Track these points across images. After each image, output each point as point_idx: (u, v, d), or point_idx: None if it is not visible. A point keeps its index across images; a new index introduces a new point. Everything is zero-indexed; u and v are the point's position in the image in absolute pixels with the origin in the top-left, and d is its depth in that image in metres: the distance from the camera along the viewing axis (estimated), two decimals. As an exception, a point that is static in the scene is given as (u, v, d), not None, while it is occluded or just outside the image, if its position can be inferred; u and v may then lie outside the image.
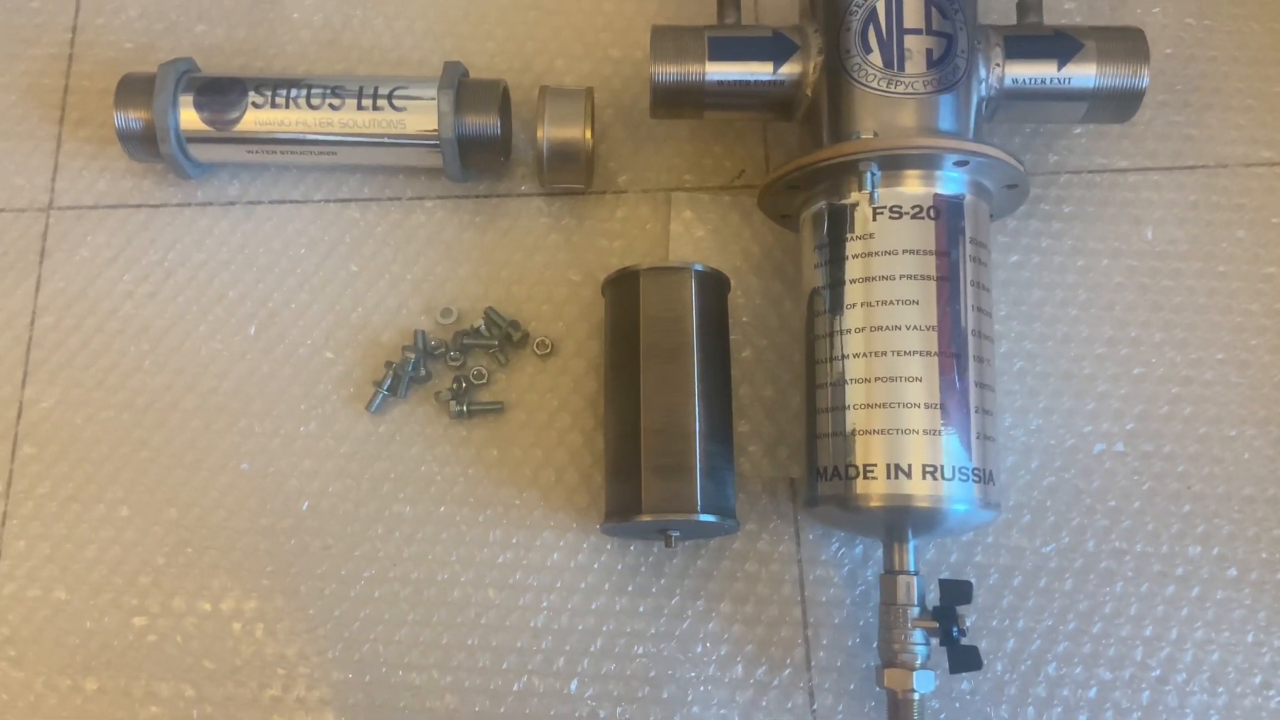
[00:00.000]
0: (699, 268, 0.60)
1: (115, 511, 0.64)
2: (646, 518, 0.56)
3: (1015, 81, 0.60)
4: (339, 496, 0.64)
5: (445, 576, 0.62)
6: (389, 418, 0.65)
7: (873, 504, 0.54)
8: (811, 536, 0.63)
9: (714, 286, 0.62)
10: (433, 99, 0.64)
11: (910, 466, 0.53)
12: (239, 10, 0.73)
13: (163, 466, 0.64)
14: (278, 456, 0.64)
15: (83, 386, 0.66)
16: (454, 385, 0.65)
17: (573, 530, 0.63)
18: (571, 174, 0.66)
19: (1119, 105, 0.61)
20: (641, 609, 0.62)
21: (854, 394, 0.55)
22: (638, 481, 0.57)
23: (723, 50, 0.61)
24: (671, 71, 0.61)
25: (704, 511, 0.56)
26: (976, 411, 0.55)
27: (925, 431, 0.54)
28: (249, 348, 0.66)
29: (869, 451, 0.54)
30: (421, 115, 0.64)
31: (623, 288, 0.61)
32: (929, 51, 0.57)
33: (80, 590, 0.63)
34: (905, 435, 0.54)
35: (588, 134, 0.65)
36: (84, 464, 0.65)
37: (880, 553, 0.59)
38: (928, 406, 0.54)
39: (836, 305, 0.56)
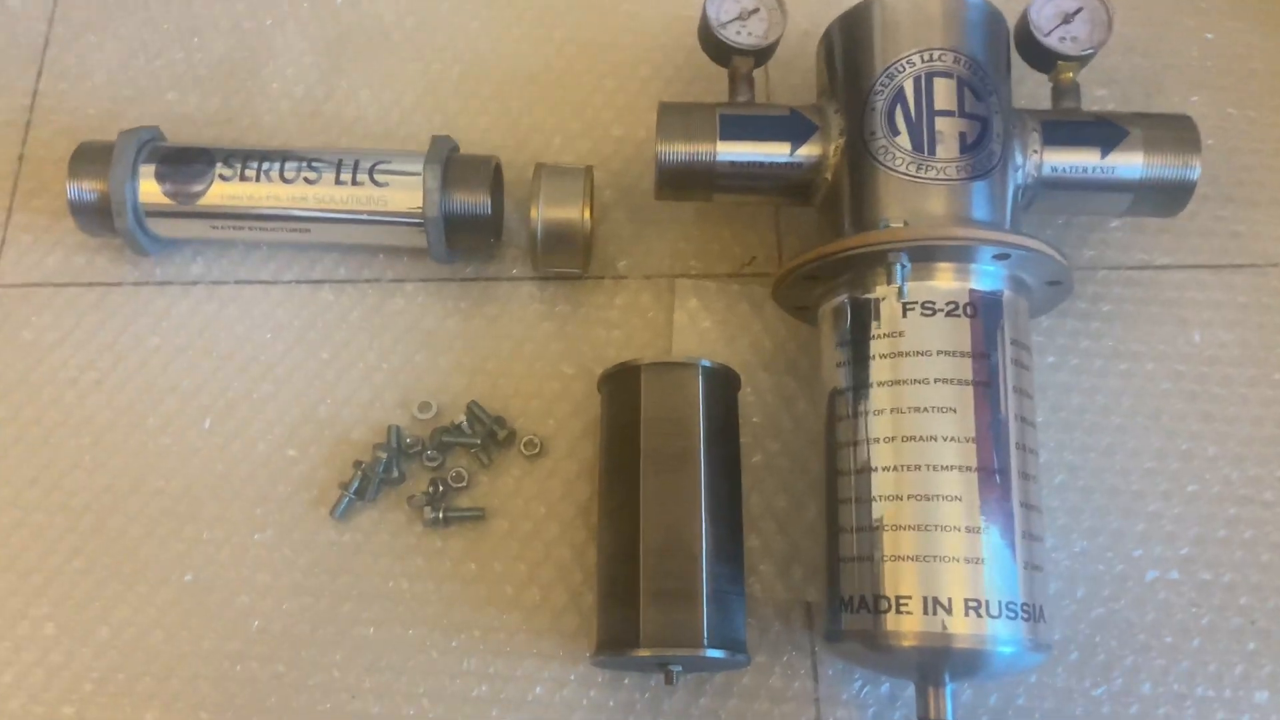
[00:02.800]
0: (706, 363, 0.54)
1: (40, 629, 0.56)
2: (645, 653, 0.49)
3: (1055, 170, 0.55)
4: (294, 616, 0.56)
5: (412, 712, 0.54)
6: (355, 525, 0.58)
7: (906, 643, 0.47)
8: (831, 672, 0.55)
9: (723, 384, 0.55)
10: (418, 174, 0.59)
11: (950, 601, 0.46)
12: (213, 78, 0.68)
13: (96, 579, 0.57)
14: (227, 568, 0.57)
15: (13, 485, 0.59)
16: (430, 489, 0.58)
17: (558, 660, 0.55)
18: (567, 257, 0.60)
19: (1167, 198, 0.56)
20: (636, 754, 0.54)
21: (883, 513, 0.48)
22: (635, 608, 0.50)
23: (736, 129, 0.56)
24: (679, 151, 0.56)
25: (711, 646, 0.49)
26: (1023, 537, 0.48)
27: (967, 560, 0.47)
28: (202, 444, 0.59)
29: (901, 581, 0.47)
30: (405, 192, 0.59)
31: (621, 384, 0.55)
32: (962, 135, 0.52)
33: (-9, 721, 0.55)
34: (943, 563, 0.47)
35: (586, 215, 0.59)
36: (8, 574, 0.57)
37: (910, 691, 0.52)
38: (969, 530, 0.47)
39: (861, 410, 0.50)
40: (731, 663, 0.51)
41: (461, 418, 0.59)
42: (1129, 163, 0.55)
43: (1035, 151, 0.55)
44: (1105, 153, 0.55)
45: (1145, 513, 0.58)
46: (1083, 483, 0.59)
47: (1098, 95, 0.67)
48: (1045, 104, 0.59)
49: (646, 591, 0.50)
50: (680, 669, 0.50)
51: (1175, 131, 0.56)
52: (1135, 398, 0.60)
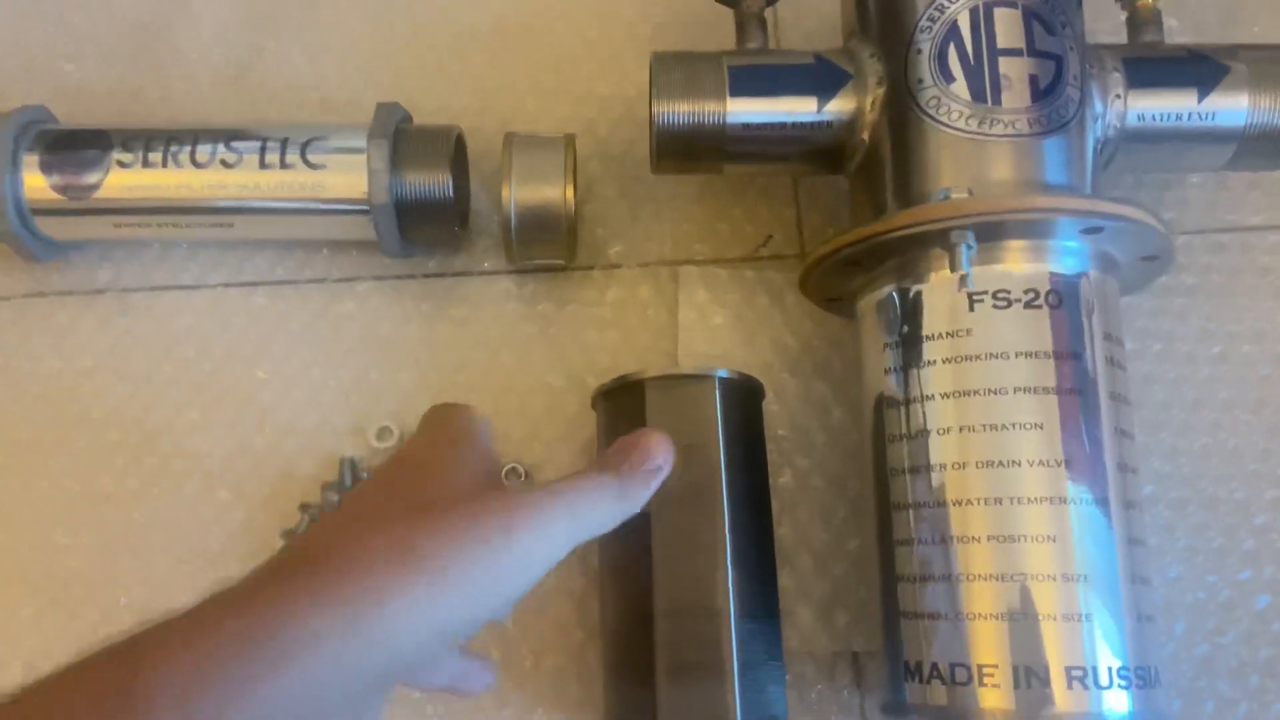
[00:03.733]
0: (723, 373, 0.44)
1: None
2: (664, 742, 0.39)
3: (1142, 118, 0.45)
4: (235, 696, 0.46)
5: (382, 810, 0.45)
6: (307, 580, 0.48)
7: (994, 725, 0.37)
8: (886, 739, 0.46)
9: (745, 399, 0.46)
10: (361, 152, 0.48)
11: (1047, 669, 0.37)
12: (116, 42, 0.57)
13: (-12, 662, 0.47)
14: (151, 641, 0.47)
15: (-118, 550, 0.49)
16: (395, 532, 0.48)
17: (558, 738, 0.46)
18: (548, 246, 0.50)
19: (1276, 148, 0.46)
20: None
21: (956, 559, 0.39)
22: (650, 686, 0.40)
23: (749, 82, 0.46)
24: (681, 112, 0.46)
25: (746, 730, 0.40)
26: (1132, 581, 0.39)
27: (1064, 616, 0.37)
28: (116, 488, 0.49)
29: (983, 645, 0.38)
30: (346, 174, 0.48)
31: (621, 403, 0.45)
32: (1033, 79, 0.42)
33: None
34: (1036, 621, 0.37)
35: (568, 193, 0.49)
36: (-118, 658, 0.47)
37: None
38: (1065, 579, 0.38)
39: (919, 429, 0.41)
40: (770, 742, 0.42)
41: (429, 444, 0.50)
42: (1233, 106, 0.45)
43: (1118, 97, 0.45)
44: (1203, 95, 0.45)
45: (1251, 526, 0.49)
46: (1175, 494, 0.49)
47: (1168, 25, 0.56)
48: (1107, 36, 0.49)
49: (663, 665, 0.40)
50: (708, 754, 0.41)
51: (1286, 65, 0.46)
52: (1233, 388, 0.51)
